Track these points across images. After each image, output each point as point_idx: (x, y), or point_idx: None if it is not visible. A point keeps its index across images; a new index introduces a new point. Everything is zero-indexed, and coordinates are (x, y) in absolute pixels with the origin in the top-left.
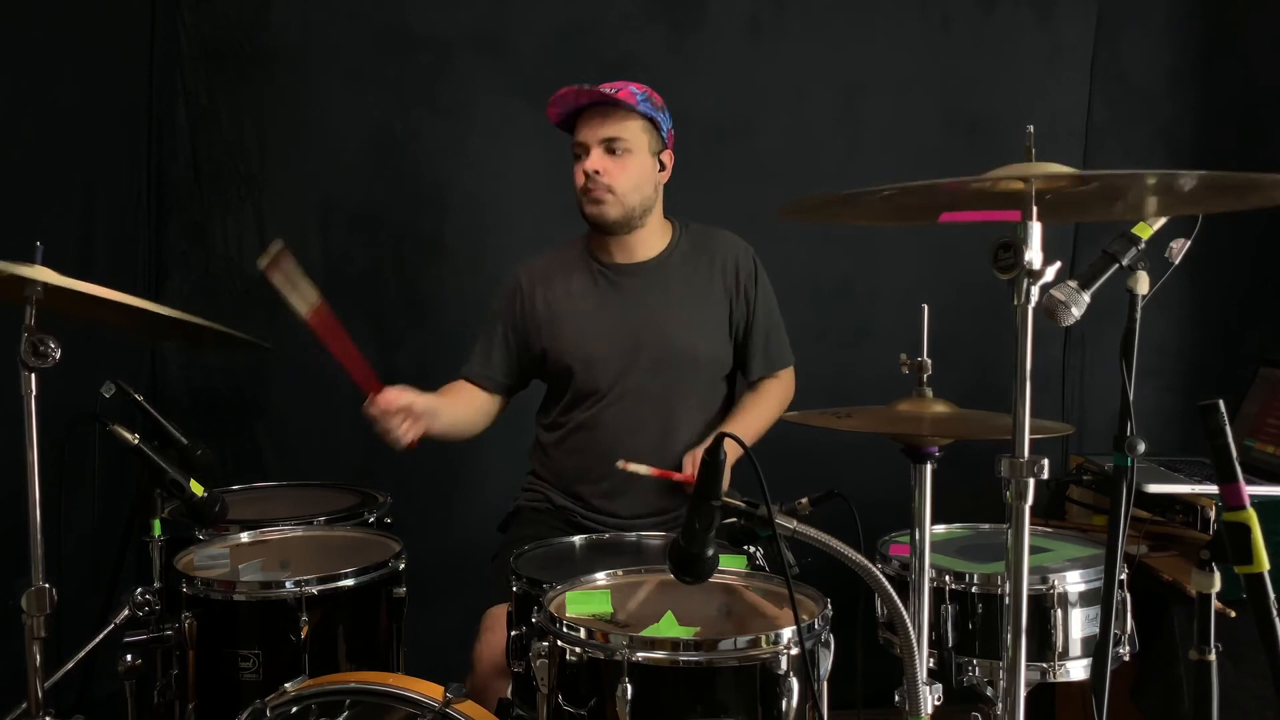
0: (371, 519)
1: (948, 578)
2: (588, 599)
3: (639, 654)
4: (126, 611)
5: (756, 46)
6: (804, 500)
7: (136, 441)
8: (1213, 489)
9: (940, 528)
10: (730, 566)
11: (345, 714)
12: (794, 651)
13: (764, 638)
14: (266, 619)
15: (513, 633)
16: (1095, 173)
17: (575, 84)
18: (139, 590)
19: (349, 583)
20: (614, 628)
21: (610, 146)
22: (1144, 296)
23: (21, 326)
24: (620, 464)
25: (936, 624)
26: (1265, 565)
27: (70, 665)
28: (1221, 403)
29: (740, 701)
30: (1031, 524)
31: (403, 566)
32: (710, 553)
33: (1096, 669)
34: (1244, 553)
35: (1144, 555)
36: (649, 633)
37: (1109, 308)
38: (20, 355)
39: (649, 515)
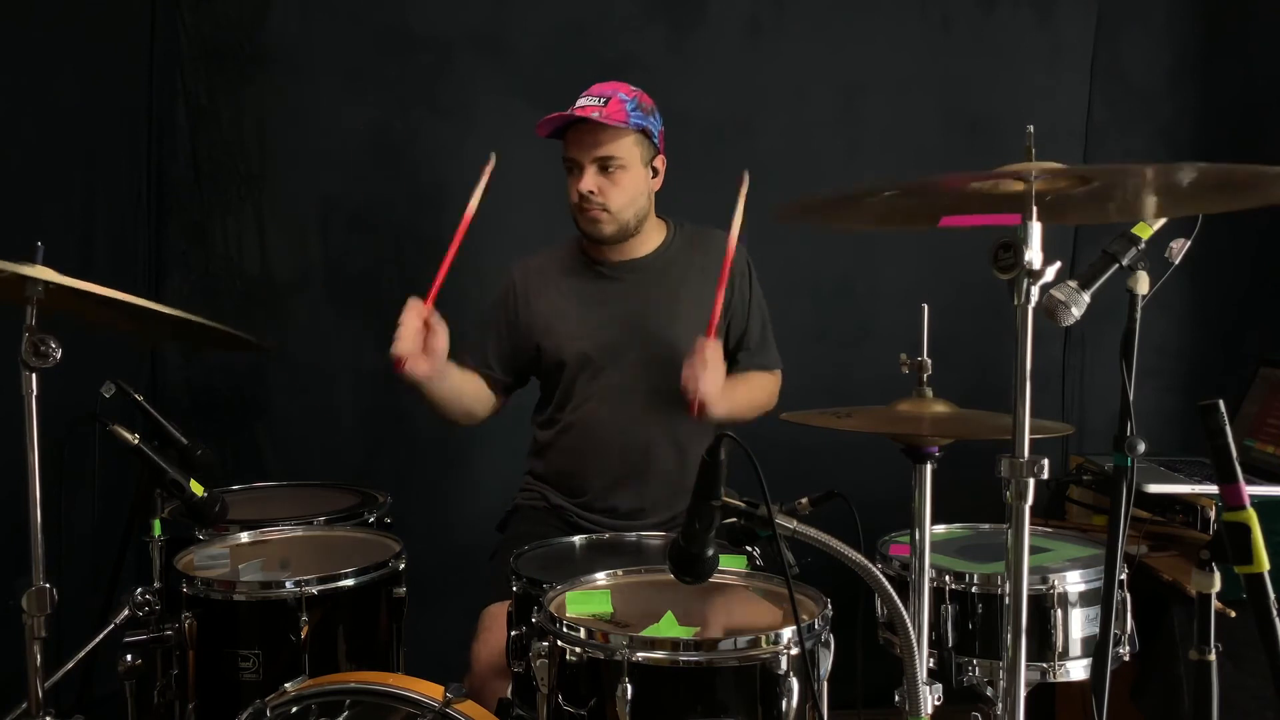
0: (371, 519)
1: (948, 578)
2: (588, 599)
3: (639, 654)
4: (126, 611)
5: (756, 46)
6: (804, 500)
7: (136, 441)
8: (1213, 489)
9: (940, 528)
10: (730, 566)
11: (345, 714)
12: (794, 651)
13: (764, 638)
14: (266, 619)
15: (512, 633)
16: (1095, 168)
17: (571, 87)
18: (139, 590)
19: (349, 583)
20: (614, 628)
21: (604, 165)
22: (1144, 296)
23: (23, 326)
24: None
25: (936, 624)
26: (1265, 565)
27: (70, 665)
28: (1221, 403)
29: (740, 701)
30: (1031, 524)
31: (402, 566)
32: (710, 553)
33: (1096, 669)
34: (1244, 553)
35: (1144, 555)
36: (649, 633)
37: (1109, 308)
38: (21, 355)
39: (645, 513)
